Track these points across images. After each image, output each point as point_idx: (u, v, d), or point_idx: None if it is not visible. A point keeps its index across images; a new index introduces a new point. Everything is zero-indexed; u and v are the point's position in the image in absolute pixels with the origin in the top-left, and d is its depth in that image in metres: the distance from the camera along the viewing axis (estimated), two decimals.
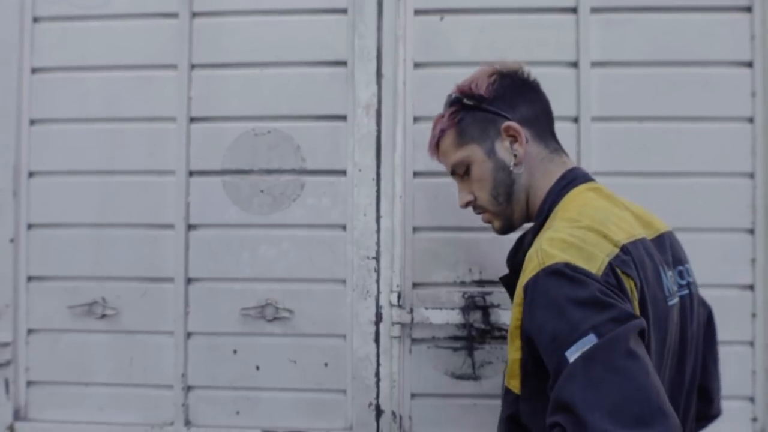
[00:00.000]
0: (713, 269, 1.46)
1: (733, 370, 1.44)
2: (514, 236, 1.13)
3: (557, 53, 1.49)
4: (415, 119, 1.50)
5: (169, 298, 1.52)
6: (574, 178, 1.00)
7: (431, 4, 1.50)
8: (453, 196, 1.48)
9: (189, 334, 1.52)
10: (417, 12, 1.50)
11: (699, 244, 1.45)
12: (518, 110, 1.02)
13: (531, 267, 0.85)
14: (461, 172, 1.07)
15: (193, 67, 1.54)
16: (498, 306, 1.46)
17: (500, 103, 1.02)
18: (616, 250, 0.85)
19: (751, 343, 1.45)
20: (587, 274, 0.80)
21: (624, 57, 1.48)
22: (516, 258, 1.04)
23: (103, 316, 1.53)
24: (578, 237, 0.85)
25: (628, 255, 0.86)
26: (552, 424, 0.75)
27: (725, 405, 1.43)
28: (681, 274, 0.99)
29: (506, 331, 1.45)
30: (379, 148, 1.48)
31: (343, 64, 1.51)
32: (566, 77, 1.49)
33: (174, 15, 1.54)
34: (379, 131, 1.49)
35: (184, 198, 1.52)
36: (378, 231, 1.48)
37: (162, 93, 1.54)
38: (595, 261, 0.82)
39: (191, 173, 1.53)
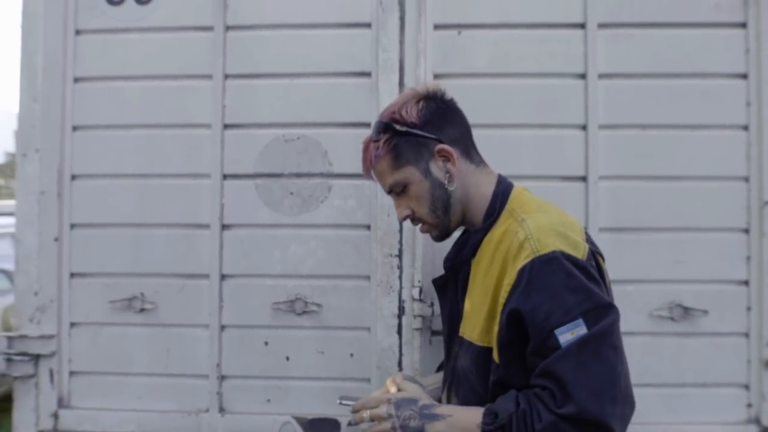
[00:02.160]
0: (711, 266, 1.56)
1: (729, 359, 1.55)
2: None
3: (567, 65, 1.58)
4: None
5: (205, 293, 1.61)
6: (507, 183, 1.14)
7: (450, 19, 1.60)
8: None
9: (223, 327, 1.61)
10: (436, 27, 1.60)
11: (698, 243, 1.56)
12: (446, 132, 1.11)
13: (524, 254, 0.97)
14: (398, 190, 1.14)
15: (227, 77, 1.62)
16: None
17: (430, 127, 1.10)
18: (585, 236, 1.03)
19: (746, 335, 1.55)
20: (576, 262, 0.96)
21: (628, 69, 1.58)
22: (458, 258, 1.14)
23: (142, 310, 1.61)
24: (561, 224, 1.00)
25: (589, 238, 1.05)
26: (542, 386, 0.92)
27: (722, 392, 1.54)
28: None
29: None
30: None
31: (368, 75, 1.59)
32: (575, 88, 1.58)
33: (209, 28, 1.62)
34: None
35: (219, 199, 1.61)
36: (400, 230, 1.56)
37: (198, 101, 1.62)
38: (579, 248, 0.98)
39: (225, 176, 1.61)
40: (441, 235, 1.17)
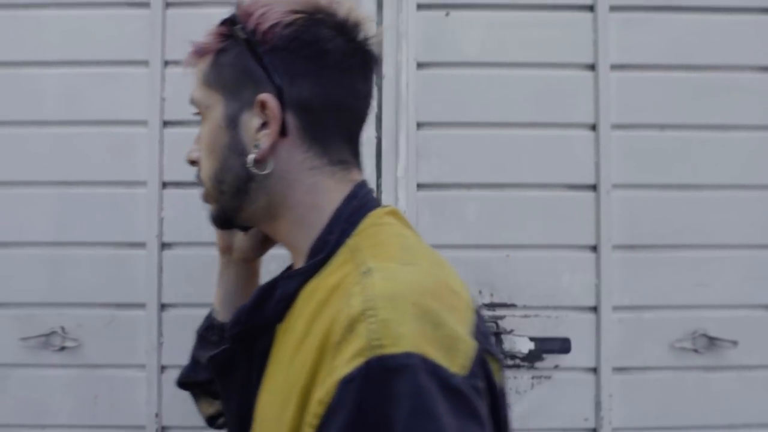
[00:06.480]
0: (738, 288, 1.38)
1: (761, 397, 1.37)
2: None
3: (573, 54, 1.38)
4: (419, 125, 1.36)
5: (141, 327, 1.36)
6: (367, 200, 0.70)
7: None
8: (462, 210, 1.37)
9: (163, 368, 1.36)
10: (420, 6, 1.37)
11: (725, 263, 1.37)
12: (299, 85, 0.66)
13: (354, 347, 0.51)
14: (199, 110, 0.75)
15: (166, 63, 1.38)
16: (511, 332, 1.33)
17: (279, 59, 0.65)
18: (474, 317, 0.59)
19: None
20: (446, 382, 0.51)
21: (645, 59, 1.38)
22: (253, 320, 0.69)
23: (63, 348, 1.36)
24: (433, 292, 0.56)
25: (480, 319, 0.62)
26: None
27: None
28: None
29: (520, 359, 1.33)
30: (379, 156, 1.35)
31: None
32: (583, 80, 1.38)
33: (145, 4, 1.37)
34: (379, 138, 1.35)
35: (157, 212, 1.37)
36: None
37: (131, 93, 1.37)
38: (458, 350, 0.53)
39: (165, 184, 1.38)
40: (218, 218, 0.75)
